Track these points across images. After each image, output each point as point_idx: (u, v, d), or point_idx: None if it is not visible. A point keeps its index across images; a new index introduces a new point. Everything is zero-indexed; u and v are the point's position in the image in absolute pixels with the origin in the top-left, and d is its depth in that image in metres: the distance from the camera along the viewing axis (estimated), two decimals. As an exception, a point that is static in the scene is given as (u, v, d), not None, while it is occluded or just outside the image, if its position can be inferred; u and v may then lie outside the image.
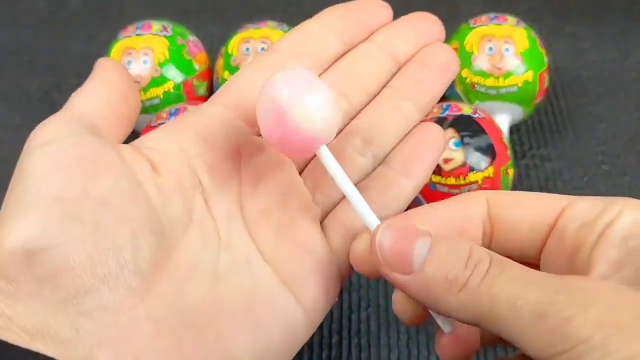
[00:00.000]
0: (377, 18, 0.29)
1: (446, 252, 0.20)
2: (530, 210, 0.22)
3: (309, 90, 0.23)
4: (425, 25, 0.29)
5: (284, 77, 0.24)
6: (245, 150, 0.26)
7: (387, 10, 0.29)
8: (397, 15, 0.60)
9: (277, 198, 0.25)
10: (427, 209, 0.24)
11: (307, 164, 0.27)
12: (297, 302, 0.24)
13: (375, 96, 0.28)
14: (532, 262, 0.23)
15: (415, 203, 0.41)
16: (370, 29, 0.29)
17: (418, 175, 0.26)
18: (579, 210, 0.21)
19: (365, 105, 0.28)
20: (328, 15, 0.29)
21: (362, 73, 0.28)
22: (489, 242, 0.23)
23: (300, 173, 0.27)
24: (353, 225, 0.25)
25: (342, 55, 0.29)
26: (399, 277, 0.20)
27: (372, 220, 0.23)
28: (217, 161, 0.25)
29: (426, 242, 0.20)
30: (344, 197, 0.26)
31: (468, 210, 0.23)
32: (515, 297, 0.18)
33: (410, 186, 0.26)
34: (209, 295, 0.23)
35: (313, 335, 0.40)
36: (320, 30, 0.28)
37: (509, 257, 0.22)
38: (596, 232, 0.20)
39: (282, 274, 0.24)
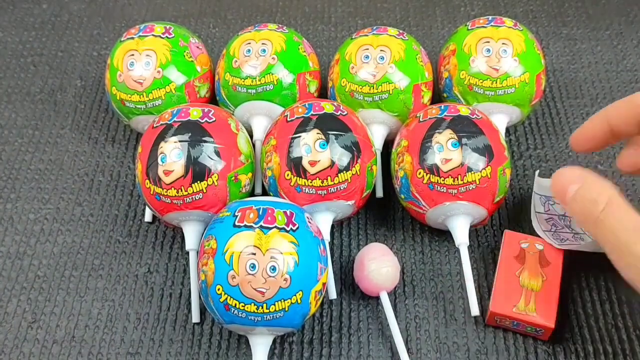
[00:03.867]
0: None
1: (581, 195, 0.33)
2: None
3: (383, 255, 0.40)
4: None
5: (372, 245, 0.41)
6: None
7: None
8: (395, 19, 0.61)
9: None
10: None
11: None
12: None
13: None
14: None
15: (414, 202, 0.41)
16: None
17: None
18: None
19: None
20: None
21: None
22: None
23: None
24: None
25: None
26: (563, 205, 0.34)
27: (405, 356, 0.38)
28: None
29: (574, 187, 0.33)
30: None
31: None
32: (625, 229, 0.31)
33: None
34: None
35: (313, 333, 0.41)
36: None
37: None
38: None
39: None
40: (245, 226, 0.36)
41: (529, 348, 0.39)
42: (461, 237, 0.41)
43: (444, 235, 0.45)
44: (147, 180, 0.40)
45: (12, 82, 0.56)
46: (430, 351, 0.40)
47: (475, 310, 0.39)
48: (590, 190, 0.32)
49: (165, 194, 0.40)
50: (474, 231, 0.45)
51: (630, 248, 0.30)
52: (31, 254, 0.45)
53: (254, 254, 0.35)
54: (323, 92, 0.51)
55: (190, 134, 0.40)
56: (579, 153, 0.40)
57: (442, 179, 0.40)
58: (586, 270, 0.42)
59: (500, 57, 0.45)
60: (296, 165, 0.40)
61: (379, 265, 0.40)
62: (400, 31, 0.48)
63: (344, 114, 0.42)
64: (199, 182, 0.40)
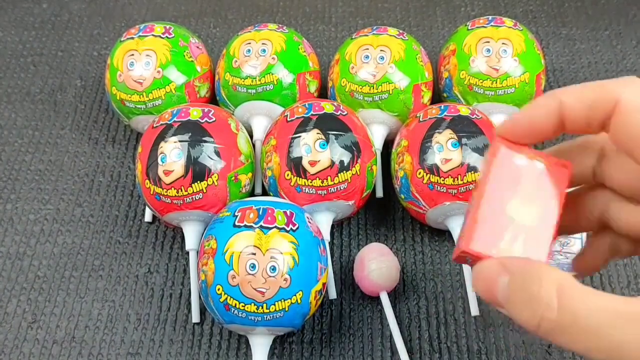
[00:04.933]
0: None
1: (519, 295, 0.22)
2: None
3: (382, 255, 0.40)
4: None
5: (372, 245, 0.41)
6: None
7: None
8: (396, 19, 0.61)
9: None
10: (509, 125, 0.27)
11: None
12: None
13: None
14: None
15: (414, 203, 0.41)
16: None
17: None
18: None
19: None
20: None
21: None
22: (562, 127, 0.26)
23: None
24: None
25: None
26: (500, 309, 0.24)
27: (405, 356, 0.38)
28: None
29: (504, 279, 0.23)
30: None
31: (539, 118, 0.26)
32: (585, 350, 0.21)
33: None
34: None
35: (313, 333, 0.41)
36: None
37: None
38: None
39: None
40: (245, 226, 0.36)
41: (529, 348, 0.39)
42: (461, 237, 0.41)
43: (444, 235, 0.45)
44: (147, 180, 0.40)
45: (12, 82, 0.56)
46: (430, 351, 0.40)
47: (475, 310, 0.39)
48: (527, 285, 0.22)
49: (165, 194, 0.40)
50: (474, 231, 0.45)
51: (611, 340, 0.21)
52: (31, 254, 0.45)
53: (254, 254, 0.35)
54: (323, 92, 0.51)
55: (190, 134, 0.40)
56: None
57: (442, 179, 0.40)
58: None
59: (500, 57, 0.45)
60: (296, 165, 0.40)
61: (379, 265, 0.40)
62: (400, 31, 0.48)
63: (344, 114, 0.42)
64: (199, 182, 0.40)
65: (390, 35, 0.47)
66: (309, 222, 0.38)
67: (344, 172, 0.40)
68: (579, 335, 0.21)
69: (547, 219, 0.28)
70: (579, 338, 0.21)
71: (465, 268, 0.40)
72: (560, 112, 0.25)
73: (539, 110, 0.26)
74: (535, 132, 0.26)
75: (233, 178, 0.41)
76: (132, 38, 0.47)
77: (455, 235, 0.41)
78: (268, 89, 0.46)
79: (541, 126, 0.26)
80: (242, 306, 0.35)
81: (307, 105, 0.42)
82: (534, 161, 0.29)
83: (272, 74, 0.46)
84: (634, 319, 0.20)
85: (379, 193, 0.46)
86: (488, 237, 0.27)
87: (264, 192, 0.45)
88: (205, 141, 0.40)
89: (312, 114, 0.41)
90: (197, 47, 0.49)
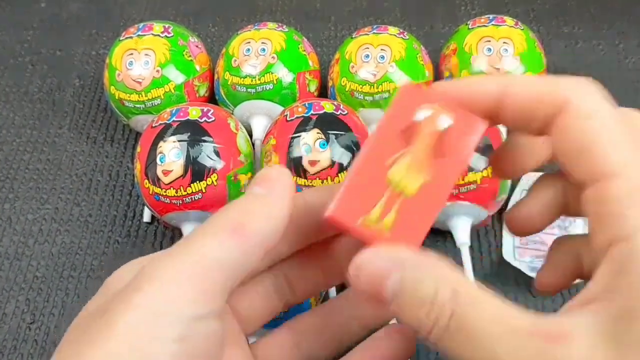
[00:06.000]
0: None
1: (411, 295, 0.20)
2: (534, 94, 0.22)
3: None
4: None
5: None
6: None
7: None
8: (396, 17, 0.61)
9: None
10: (445, 84, 0.23)
11: None
12: None
13: None
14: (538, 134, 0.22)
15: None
16: None
17: None
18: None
19: None
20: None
21: None
22: (497, 116, 0.23)
23: None
24: None
25: None
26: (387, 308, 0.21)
27: None
28: None
29: (396, 276, 0.20)
30: None
31: (482, 87, 0.23)
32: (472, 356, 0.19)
33: None
34: None
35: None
36: None
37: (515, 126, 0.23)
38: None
39: None
40: (245, 226, 0.36)
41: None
42: (462, 238, 0.41)
43: (444, 235, 0.44)
44: (146, 180, 0.40)
45: (10, 82, 0.56)
46: (431, 351, 0.39)
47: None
48: (422, 284, 0.20)
49: (164, 194, 0.40)
50: (475, 231, 0.45)
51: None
52: (29, 254, 0.44)
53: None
54: (323, 92, 0.50)
55: (189, 134, 0.40)
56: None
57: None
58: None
59: (501, 56, 0.45)
60: (296, 165, 0.40)
61: None
62: (401, 30, 0.47)
63: (344, 113, 0.42)
64: (198, 181, 0.39)
65: (391, 34, 0.46)
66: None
67: (345, 172, 0.40)
68: (465, 344, 0.19)
69: (434, 191, 0.22)
70: (464, 347, 0.19)
71: (467, 270, 0.40)
72: (501, 97, 0.22)
73: (478, 84, 0.23)
74: (466, 105, 0.23)
75: (232, 178, 0.40)
76: (131, 37, 0.47)
77: (457, 235, 0.41)
78: (268, 89, 0.46)
79: (474, 102, 0.22)
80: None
81: (307, 105, 0.42)
82: (441, 116, 0.23)
83: (271, 73, 0.45)
84: (521, 336, 0.18)
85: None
86: (357, 204, 0.22)
87: (264, 192, 0.45)
88: (205, 141, 0.40)
89: (312, 114, 0.41)
90: (197, 46, 0.49)
